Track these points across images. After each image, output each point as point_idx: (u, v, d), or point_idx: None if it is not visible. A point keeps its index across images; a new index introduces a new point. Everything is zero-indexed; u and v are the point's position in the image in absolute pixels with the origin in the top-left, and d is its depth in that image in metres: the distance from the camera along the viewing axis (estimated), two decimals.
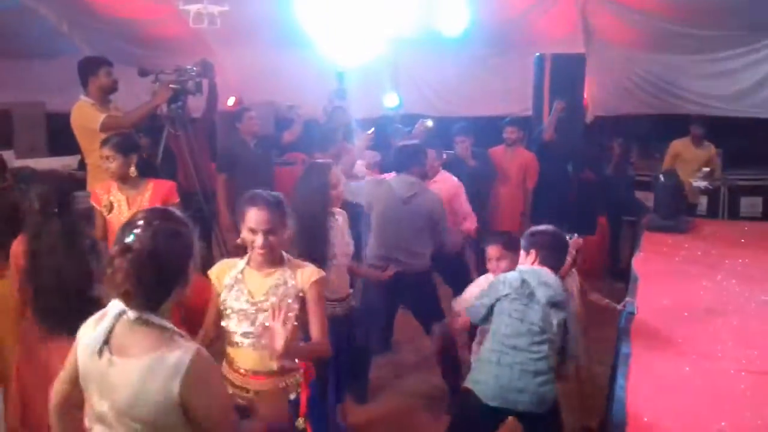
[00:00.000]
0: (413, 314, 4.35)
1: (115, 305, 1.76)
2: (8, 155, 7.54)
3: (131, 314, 1.72)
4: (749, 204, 8.32)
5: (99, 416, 1.75)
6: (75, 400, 1.89)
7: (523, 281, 2.87)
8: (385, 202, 4.25)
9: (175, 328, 1.75)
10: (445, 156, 5.31)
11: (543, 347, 2.81)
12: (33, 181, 3.50)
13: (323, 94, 7.52)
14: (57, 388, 1.93)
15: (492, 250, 3.50)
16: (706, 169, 6.58)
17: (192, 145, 5.12)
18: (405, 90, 8.76)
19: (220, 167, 5.60)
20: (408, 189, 4.20)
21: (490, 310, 2.94)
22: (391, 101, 8.66)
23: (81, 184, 4.91)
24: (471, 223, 4.91)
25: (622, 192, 7.04)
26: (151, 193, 3.80)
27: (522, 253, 3.05)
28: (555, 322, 2.82)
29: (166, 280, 1.72)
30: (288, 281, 2.58)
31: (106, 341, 1.73)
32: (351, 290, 3.66)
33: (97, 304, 3.17)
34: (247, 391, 2.54)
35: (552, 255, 2.96)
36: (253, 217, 2.51)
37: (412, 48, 7.95)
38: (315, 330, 2.58)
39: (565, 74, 6.89)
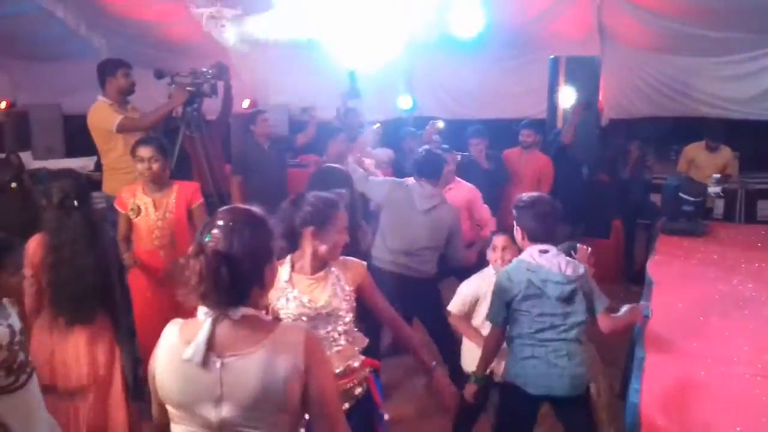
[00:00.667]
0: (419, 319, 4.36)
1: (203, 312, 1.72)
2: (26, 157, 7.67)
3: (235, 314, 1.70)
4: (766, 207, 8.24)
5: (218, 427, 1.69)
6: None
7: (529, 282, 2.87)
8: (402, 207, 4.26)
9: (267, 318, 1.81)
10: (459, 157, 5.31)
11: (572, 332, 2.87)
12: (51, 177, 3.57)
13: (337, 96, 7.55)
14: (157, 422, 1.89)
15: (498, 240, 3.48)
16: (717, 176, 6.51)
17: (207, 147, 5.16)
18: (419, 92, 8.78)
19: (235, 169, 5.64)
20: (429, 200, 4.21)
21: (507, 309, 2.95)
22: (405, 103, 8.68)
23: (97, 185, 4.98)
24: (490, 231, 4.88)
25: (638, 195, 6.99)
26: (177, 195, 3.83)
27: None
28: (576, 304, 2.87)
29: (241, 282, 1.70)
30: (340, 279, 2.63)
31: (209, 348, 1.68)
32: None
33: (113, 297, 3.27)
34: None
35: (538, 227, 2.93)
36: (342, 217, 2.60)
37: (426, 50, 7.95)
38: (388, 314, 2.76)
39: (580, 76, 6.87)
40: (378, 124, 6.24)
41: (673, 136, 8.11)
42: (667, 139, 8.39)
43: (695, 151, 6.88)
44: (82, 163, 8.16)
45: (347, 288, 2.64)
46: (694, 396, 2.66)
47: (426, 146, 4.69)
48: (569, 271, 2.86)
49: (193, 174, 5.44)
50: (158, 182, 3.80)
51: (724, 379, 2.79)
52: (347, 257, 2.73)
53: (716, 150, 6.75)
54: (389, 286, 3.97)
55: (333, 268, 2.65)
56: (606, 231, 6.83)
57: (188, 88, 4.93)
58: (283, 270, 2.57)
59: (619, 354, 4.06)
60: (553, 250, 2.92)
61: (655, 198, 7.19)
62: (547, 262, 2.88)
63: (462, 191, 4.93)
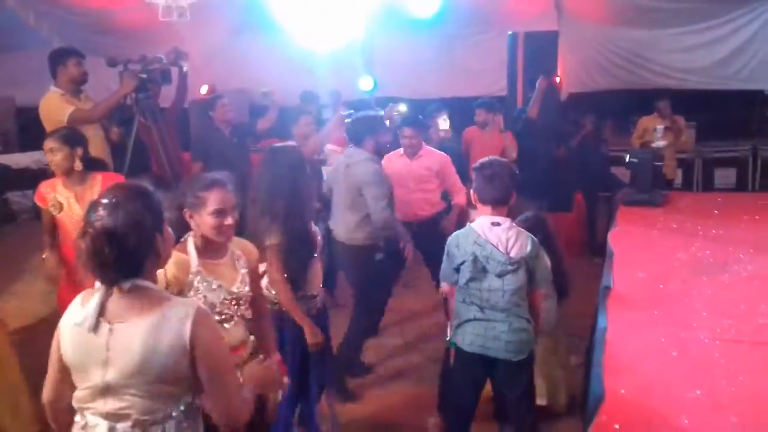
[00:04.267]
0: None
1: (97, 283, 1.81)
2: None
3: (126, 284, 1.77)
4: (723, 175, 8.44)
5: (103, 389, 1.78)
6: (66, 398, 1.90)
7: (474, 255, 2.90)
8: (336, 175, 4.38)
9: (160, 291, 1.86)
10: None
11: (513, 298, 2.90)
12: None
13: (297, 79, 7.47)
14: (48, 388, 1.92)
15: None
16: (661, 127, 6.62)
17: (163, 135, 5.06)
18: (379, 72, 8.71)
19: (195, 156, 5.54)
20: (346, 160, 4.29)
21: (457, 271, 3.00)
22: (365, 84, 8.61)
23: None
24: (461, 198, 4.93)
25: (597, 168, 7.08)
26: (101, 188, 3.55)
27: None
28: (519, 275, 2.89)
29: (129, 255, 1.75)
30: (240, 259, 2.65)
31: (101, 314, 1.77)
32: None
33: None
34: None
35: (485, 188, 2.94)
36: (220, 197, 2.50)
37: (386, 30, 7.92)
38: (261, 303, 2.82)
39: (538, 52, 6.90)
40: (350, 112, 6.20)
41: (632, 109, 8.21)
42: (625, 111, 8.50)
43: (649, 121, 6.99)
44: (36, 157, 7.96)
45: (245, 270, 2.65)
46: (656, 362, 2.71)
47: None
48: (514, 252, 2.86)
49: (151, 163, 5.35)
50: (71, 174, 3.61)
51: (684, 344, 2.85)
52: (241, 239, 2.73)
53: (668, 115, 6.85)
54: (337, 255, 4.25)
55: (236, 251, 2.64)
56: (568, 204, 6.91)
57: (140, 75, 4.82)
58: (191, 257, 2.52)
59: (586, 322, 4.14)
60: (505, 223, 2.92)
61: (615, 170, 7.30)
62: (495, 238, 2.89)
63: (432, 158, 4.99)
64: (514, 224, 2.96)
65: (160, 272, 2.38)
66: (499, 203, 2.94)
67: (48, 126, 4.53)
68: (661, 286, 3.53)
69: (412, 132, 4.92)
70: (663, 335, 2.93)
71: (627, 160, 5.61)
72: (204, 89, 8.25)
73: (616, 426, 2.26)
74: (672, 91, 7.43)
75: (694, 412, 2.32)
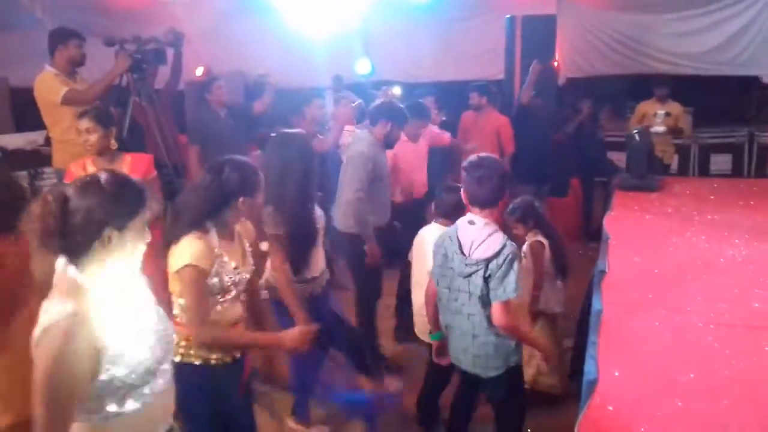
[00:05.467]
0: None
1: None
2: None
3: (62, 263, 1.74)
4: (719, 161, 8.46)
5: None
6: None
7: (445, 251, 2.90)
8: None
9: (84, 284, 1.72)
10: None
11: (479, 304, 2.82)
12: None
13: (293, 62, 7.44)
14: None
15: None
16: (662, 111, 6.63)
17: (159, 116, 5.03)
18: (376, 56, 8.69)
19: (192, 139, 5.53)
20: (353, 138, 4.42)
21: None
22: (363, 68, 8.58)
23: (47, 160, 4.84)
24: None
25: (593, 153, 7.08)
26: (129, 168, 3.67)
27: None
28: (479, 278, 2.79)
29: (72, 234, 1.69)
30: (243, 238, 2.70)
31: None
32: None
33: None
34: None
35: (474, 191, 2.83)
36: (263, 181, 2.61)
37: (383, 13, 7.87)
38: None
39: (536, 36, 6.87)
40: (359, 101, 6.19)
41: (629, 94, 8.21)
42: (622, 96, 8.49)
43: (647, 107, 6.99)
44: (31, 138, 7.92)
45: (249, 249, 2.72)
46: (650, 345, 2.72)
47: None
48: (477, 253, 2.78)
49: (147, 144, 5.32)
50: (104, 154, 3.67)
51: (678, 328, 2.86)
52: None
53: (666, 100, 6.86)
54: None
55: (238, 230, 2.69)
56: (564, 189, 6.92)
57: (134, 55, 4.78)
58: (212, 237, 2.51)
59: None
60: (480, 222, 2.82)
61: (612, 155, 7.30)
62: (465, 237, 2.85)
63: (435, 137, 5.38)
64: (489, 225, 2.83)
65: (190, 253, 2.42)
66: (487, 205, 2.83)
67: (42, 105, 4.52)
68: (656, 270, 3.53)
69: (420, 123, 4.98)
70: (657, 319, 2.94)
71: (633, 139, 5.57)
72: (200, 71, 8.21)
73: (610, 407, 2.27)
74: (669, 76, 7.42)
75: (688, 395, 2.33)
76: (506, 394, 3.03)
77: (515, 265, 2.75)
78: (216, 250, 2.50)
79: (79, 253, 1.73)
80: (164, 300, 2.42)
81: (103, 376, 1.72)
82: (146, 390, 1.83)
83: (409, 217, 4.72)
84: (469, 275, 2.81)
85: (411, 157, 5.14)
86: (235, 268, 2.56)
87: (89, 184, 1.73)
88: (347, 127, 5.73)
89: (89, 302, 1.72)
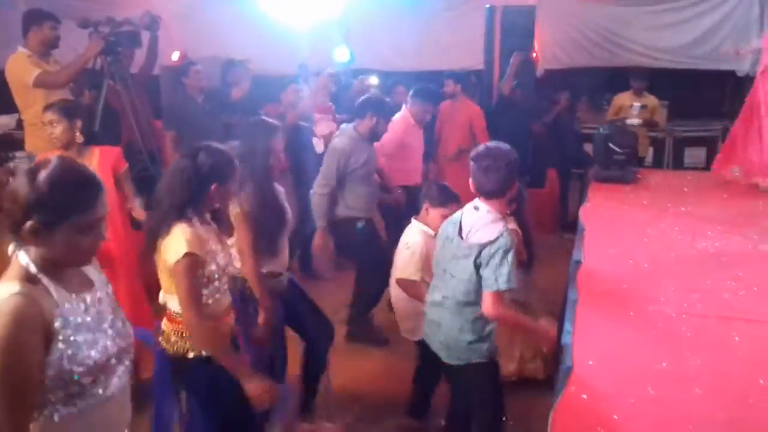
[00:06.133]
0: None
1: None
2: None
3: (12, 243, 1.69)
4: (693, 154, 8.55)
5: None
6: None
7: (447, 235, 2.95)
8: None
9: (33, 270, 1.66)
10: None
11: (460, 289, 2.84)
12: None
13: (270, 48, 7.36)
14: None
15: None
16: (638, 104, 6.71)
17: (134, 101, 4.95)
18: (356, 45, 8.63)
19: (167, 124, 5.45)
20: (338, 132, 4.47)
21: None
22: (341, 56, 8.52)
23: (19, 144, 4.74)
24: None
25: (570, 145, 7.13)
26: (98, 161, 3.59)
27: None
28: (468, 264, 2.78)
29: (5, 215, 1.64)
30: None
31: None
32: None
33: None
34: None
35: (479, 180, 2.83)
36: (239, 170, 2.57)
37: (363, 2, 7.82)
38: None
39: (515, 26, 6.88)
40: (333, 70, 6.24)
41: (606, 86, 8.25)
42: (600, 89, 8.54)
43: (623, 99, 7.05)
44: (2, 122, 7.76)
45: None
46: (624, 335, 2.75)
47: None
48: (473, 238, 2.79)
49: (122, 130, 5.25)
50: (70, 147, 3.55)
51: (651, 318, 2.89)
52: None
53: (643, 97, 6.93)
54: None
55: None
56: (541, 181, 6.96)
57: (108, 38, 4.70)
58: (195, 224, 2.45)
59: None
60: (483, 209, 2.83)
61: (588, 148, 7.35)
62: (466, 221, 2.87)
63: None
64: (492, 213, 2.81)
65: (183, 241, 2.36)
66: (492, 196, 2.81)
67: (13, 87, 4.43)
68: (630, 261, 3.57)
69: (429, 106, 5.05)
70: (631, 309, 2.98)
71: (599, 131, 5.63)
72: (175, 56, 8.08)
73: (584, 396, 2.29)
74: (646, 69, 7.47)
75: (660, 384, 2.36)
76: (470, 389, 3.04)
77: (510, 257, 2.72)
78: (203, 237, 2.45)
79: (18, 239, 1.66)
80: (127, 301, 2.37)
81: (51, 370, 1.64)
82: (98, 390, 1.75)
83: (412, 202, 4.69)
84: (461, 258, 2.82)
85: (417, 142, 5.14)
86: (219, 248, 2.53)
87: (29, 173, 1.65)
88: (322, 116, 5.73)
89: (37, 286, 1.66)
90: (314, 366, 3.56)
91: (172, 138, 5.33)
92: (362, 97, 4.58)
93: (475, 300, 2.81)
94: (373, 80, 7.02)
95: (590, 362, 2.50)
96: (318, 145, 5.55)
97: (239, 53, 6.67)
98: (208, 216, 2.59)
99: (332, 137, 4.54)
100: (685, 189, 5.11)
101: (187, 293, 2.39)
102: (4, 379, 1.56)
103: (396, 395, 3.79)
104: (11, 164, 1.69)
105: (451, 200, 3.59)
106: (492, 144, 2.86)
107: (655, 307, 3.00)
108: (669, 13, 7.69)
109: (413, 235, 3.68)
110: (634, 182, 5.29)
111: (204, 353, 2.49)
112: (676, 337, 2.72)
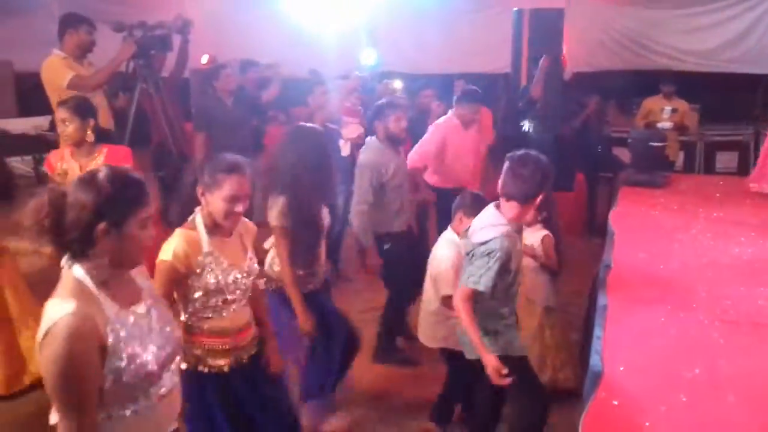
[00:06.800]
0: None
1: None
2: None
3: (64, 260, 1.74)
4: (725, 159, 8.43)
5: None
6: None
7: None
8: None
9: (88, 284, 1.71)
10: None
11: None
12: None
13: (300, 52, 7.41)
14: None
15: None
16: (669, 107, 6.63)
17: (165, 103, 5.02)
18: (383, 48, 8.65)
19: (198, 126, 5.50)
20: (365, 146, 4.37)
21: None
22: (368, 58, 8.55)
23: (53, 145, 4.82)
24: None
25: (599, 149, 7.07)
26: (104, 160, 3.63)
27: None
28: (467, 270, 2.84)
29: (65, 231, 1.69)
30: (243, 236, 2.66)
31: None
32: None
33: None
34: (243, 347, 2.63)
35: (507, 184, 2.82)
36: (237, 184, 2.46)
37: (390, 5, 7.84)
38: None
39: (544, 29, 6.83)
40: (357, 73, 6.25)
41: (635, 90, 8.17)
42: (629, 92, 8.46)
43: (653, 103, 6.97)
44: (36, 123, 7.93)
45: (250, 247, 2.67)
46: (655, 341, 2.72)
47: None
48: (476, 237, 2.81)
49: (153, 132, 5.32)
50: (81, 145, 3.63)
51: (683, 324, 2.86)
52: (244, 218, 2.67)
53: (672, 97, 6.85)
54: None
55: (238, 228, 2.63)
56: (569, 184, 6.90)
57: (141, 42, 4.77)
58: (201, 236, 2.48)
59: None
60: (490, 212, 2.86)
61: (617, 151, 7.29)
62: (473, 222, 2.92)
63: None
64: (498, 217, 2.81)
65: (171, 248, 2.40)
66: (512, 198, 2.78)
67: (49, 89, 4.51)
68: (661, 266, 3.53)
69: (474, 107, 5.01)
70: (662, 315, 2.94)
71: (636, 135, 5.54)
72: (205, 59, 8.17)
73: (615, 402, 2.27)
74: (676, 73, 7.40)
75: (692, 391, 2.33)
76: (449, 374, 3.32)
77: (493, 262, 2.70)
78: (205, 248, 2.46)
79: (77, 250, 1.72)
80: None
81: (105, 380, 1.70)
82: (149, 393, 1.81)
83: (447, 205, 4.60)
84: (467, 255, 2.87)
85: (458, 143, 5.02)
86: (231, 265, 2.51)
87: (86, 181, 1.72)
88: (350, 119, 5.73)
89: (91, 301, 1.71)
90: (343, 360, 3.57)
91: (202, 140, 5.38)
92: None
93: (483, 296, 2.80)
94: (397, 84, 7.02)
95: (621, 368, 2.48)
96: (344, 148, 5.55)
97: (267, 56, 6.73)
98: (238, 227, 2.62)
99: (357, 148, 4.51)
100: (717, 194, 5.04)
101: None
102: (69, 397, 1.64)
103: (417, 398, 3.81)
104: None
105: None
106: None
107: (686, 313, 2.97)
108: (700, 16, 7.61)
109: (444, 248, 3.55)
110: (664, 187, 5.23)
111: (194, 365, 2.52)
112: (709, 344, 2.69)
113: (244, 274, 2.57)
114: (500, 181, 2.84)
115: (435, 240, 3.76)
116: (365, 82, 7.22)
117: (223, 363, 2.56)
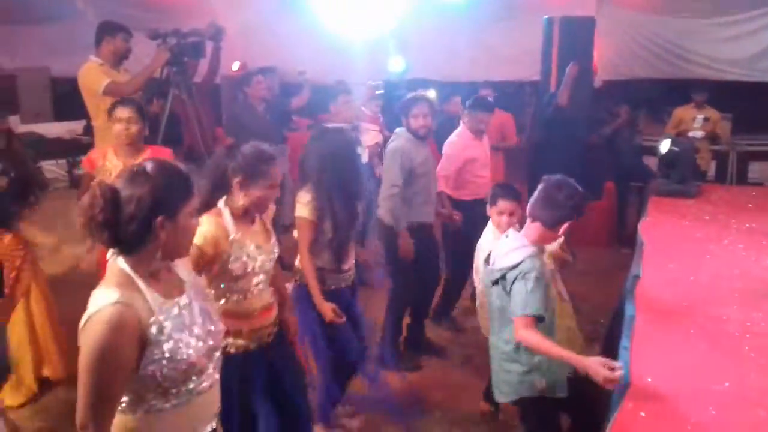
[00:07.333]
0: None
1: None
2: (14, 121, 7.59)
3: (113, 254, 1.78)
4: (758, 169, 8.27)
5: None
6: None
7: (488, 257, 2.89)
8: None
9: (134, 277, 1.75)
10: None
11: (499, 319, 2.78)
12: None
13: (329, 59, 7.47)
14: None
15: (506, 205, 3.49)
16: (701, 117, 6.56)
17: (197, 109, 5.11)
18: (412, 55, 8.67)
19: (228, 132, 5.60)
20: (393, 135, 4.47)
21: None
22: (396, 65, 8.56)
23: (87, 148, 4.94)
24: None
25: (630, 158, 7.00)
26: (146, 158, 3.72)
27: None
28: (499, 290, 2.74)
29: (122, 225, 1.71)
30: (263, 220, 2.75)
31: None
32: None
33: None
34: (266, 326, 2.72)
35: (533, 204, 2.77)
36: (277, 172, 2.61)
37: (418, 10, 7.85)
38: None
39: (574, 37, 6.79)
40: (379, 81, 6.30)
41: (667, 99, 8.07)
42: (660, 101, 8.36)
43: (684, 112, 6.90)
44: (71, 127, 8.09)
45: (272, 229, 2.78)
46: (684, 353, 2.69)
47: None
48: (502, 262, 2.74)
49: (184, 137, 5.41)
50: (134, 146, 3.72)
51: (713, 336, 2.82)
52: None
53: (704, 106, 6.78)
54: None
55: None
56: (598, 193, 6.85)
57: (175, 49, 4.86)
58: (227, 223, 2.55)
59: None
60: (513, 236, 2.81)
61: (648, 160, 7.21)
62: (496, 246, 2.86)
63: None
64: (520, 239, 2.75)
65: (201, 232, 2.43)
66: (537, 220, 2.72)
67: (85, 95, 4.62)
68: (691, 277, 3.49)
69: (482, 115, 4.91)
70: (692, 326, 2.91)
71: (662, 152, 5.44)
72: (236, 66, 8.30)
73: (642, 413, 2.25)
74: (707, 81, 7.30)
75: (722, 404, 2.30)
76: (523, 425, 2.97)
77: (532, 282, 2.60)
78: (232, 234, 2.54)
79: (132, 244, 1.75)
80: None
81: (146, 371, 1.73)
82: (190, 387, 1.84)
83: (471, 217, 4.56)
84: (490, 285, 2.82)
85: (480, 154, 4.92)
86: (257, 248, 2.61)
87: (137, 174, 1.75)
88: (369, 126, 5.77)
89: (136, 292, 1.74)
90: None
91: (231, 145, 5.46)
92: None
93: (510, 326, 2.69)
94: (431, 93, 7.03)
95: (648, 379, 2.46)
96: (362, 155, 5.57)
97: (297, 64, 6.80)
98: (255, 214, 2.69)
99: (376, 156, 4.54)
100: (750, 205, 4.96)
101: None
102: (96, 383, 1.65)
103: (424, 399, 3.87)
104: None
105: (499, 196, 3.53)
106: (571, 181, 2.76)
107: (716, 325, 2.93)
108: (732, 25, 7.49)
109: (484, 236, 3.59)
110: (695, 197, 5.16)
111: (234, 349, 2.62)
112: (739, 357, 2.65)
113: (270, 257, 2.68)
114: (531, 200, 2.79)
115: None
116: (394, 89, 7.25)
117: (246, 343, 2.64)
